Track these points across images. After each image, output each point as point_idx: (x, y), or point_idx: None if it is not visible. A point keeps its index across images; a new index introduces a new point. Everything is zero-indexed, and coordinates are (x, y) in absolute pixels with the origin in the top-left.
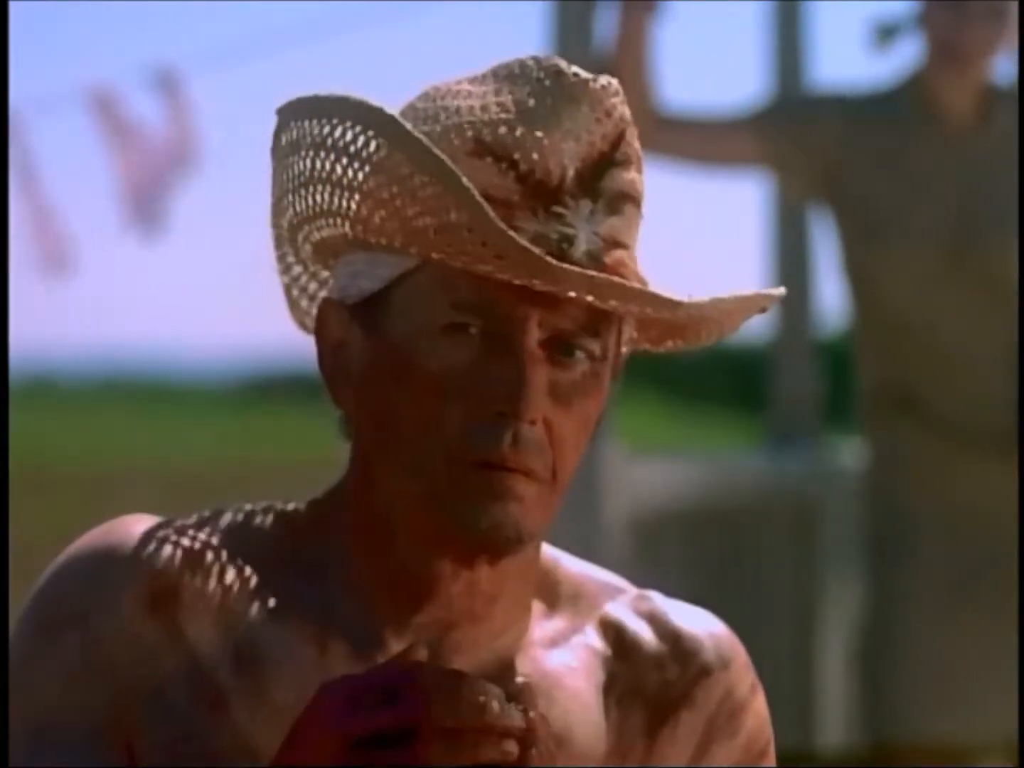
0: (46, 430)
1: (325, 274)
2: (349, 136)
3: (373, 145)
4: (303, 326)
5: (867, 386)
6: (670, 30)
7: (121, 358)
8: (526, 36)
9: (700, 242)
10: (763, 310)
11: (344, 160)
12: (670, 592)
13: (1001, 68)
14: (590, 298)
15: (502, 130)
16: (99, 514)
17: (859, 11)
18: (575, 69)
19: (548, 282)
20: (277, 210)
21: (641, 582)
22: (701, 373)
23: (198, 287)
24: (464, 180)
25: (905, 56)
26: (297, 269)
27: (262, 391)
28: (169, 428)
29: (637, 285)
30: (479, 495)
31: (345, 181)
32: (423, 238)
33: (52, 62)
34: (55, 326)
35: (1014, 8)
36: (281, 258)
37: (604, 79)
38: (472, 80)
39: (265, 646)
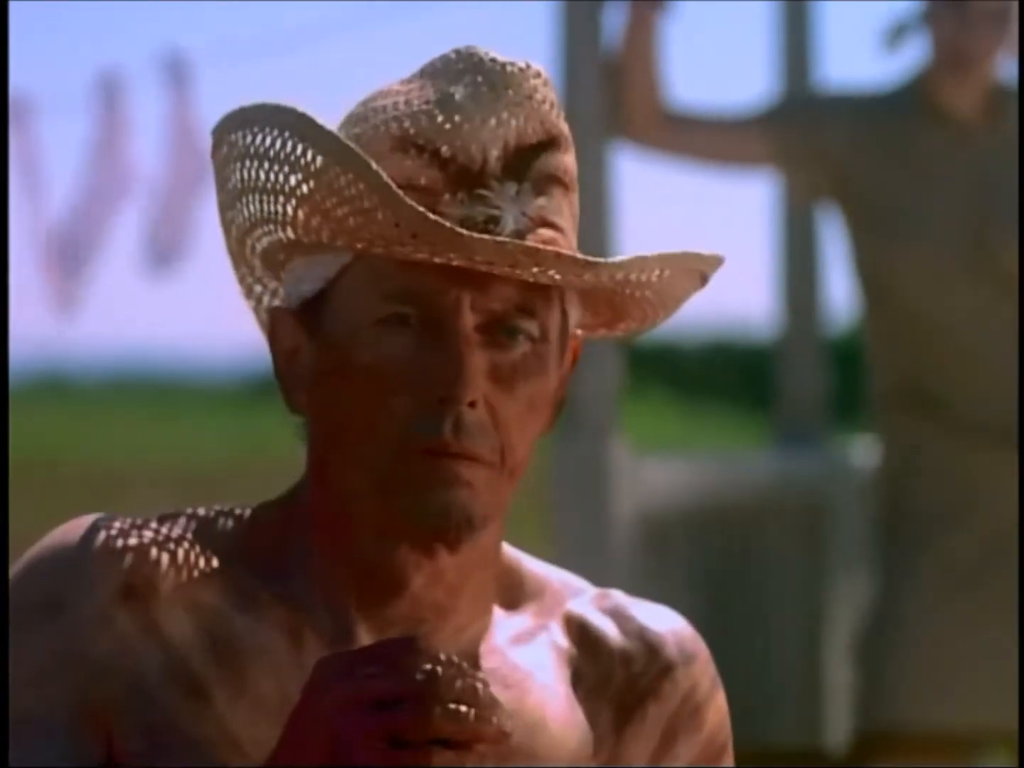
0: (57, 428)
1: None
2: (268, 141)
3: (289, 145)
4: None
5: (879, 384)
6: (678, 29)
7: (131, 357)
8: (533, 36)
9: (707, 240)
10: (703, 279)
11: (266, 164)
12: (676, 591)
13: (1006, 69)
14: (508, 267)
15: (423, 121)
16: (109, 511)
17: (867, 11)
18: (493, 55)
19: (462, 254)
20: (225, 230)
21: (648, 580)
22: (709, 372)
23: (203, 288)
24: (373, 164)
25: (911, 57)
26: (257, 288)
27: (269, 390)
28: (178, 426)
29: (552, 249)
30: (426, 482)
31: (269, 185)
32: (344, 228)
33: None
34: (66, 326)
35: (1015, 9)
36: (241, 280)
37: (522, 62)
38: (403, 81)
39: (241, 637)
